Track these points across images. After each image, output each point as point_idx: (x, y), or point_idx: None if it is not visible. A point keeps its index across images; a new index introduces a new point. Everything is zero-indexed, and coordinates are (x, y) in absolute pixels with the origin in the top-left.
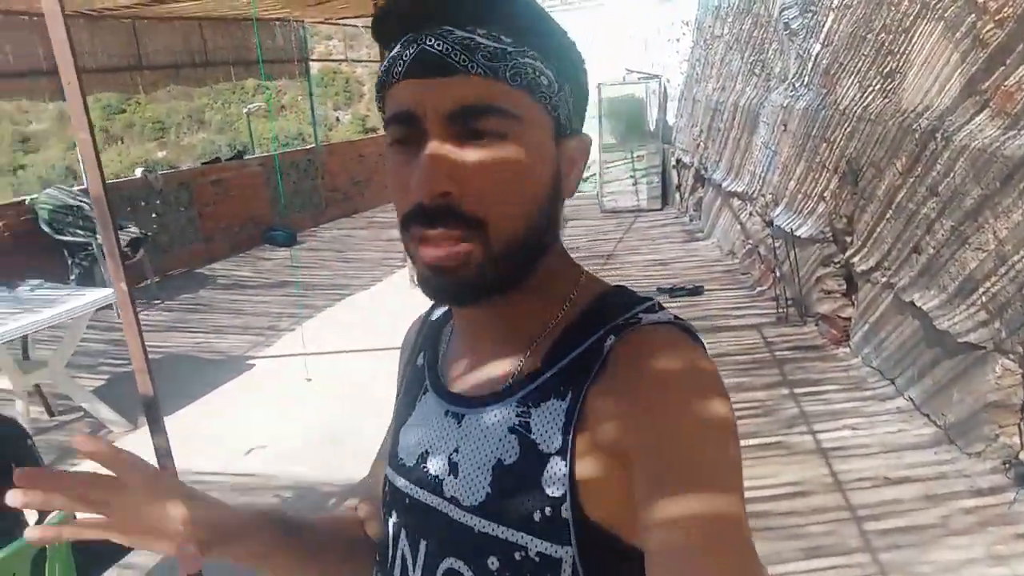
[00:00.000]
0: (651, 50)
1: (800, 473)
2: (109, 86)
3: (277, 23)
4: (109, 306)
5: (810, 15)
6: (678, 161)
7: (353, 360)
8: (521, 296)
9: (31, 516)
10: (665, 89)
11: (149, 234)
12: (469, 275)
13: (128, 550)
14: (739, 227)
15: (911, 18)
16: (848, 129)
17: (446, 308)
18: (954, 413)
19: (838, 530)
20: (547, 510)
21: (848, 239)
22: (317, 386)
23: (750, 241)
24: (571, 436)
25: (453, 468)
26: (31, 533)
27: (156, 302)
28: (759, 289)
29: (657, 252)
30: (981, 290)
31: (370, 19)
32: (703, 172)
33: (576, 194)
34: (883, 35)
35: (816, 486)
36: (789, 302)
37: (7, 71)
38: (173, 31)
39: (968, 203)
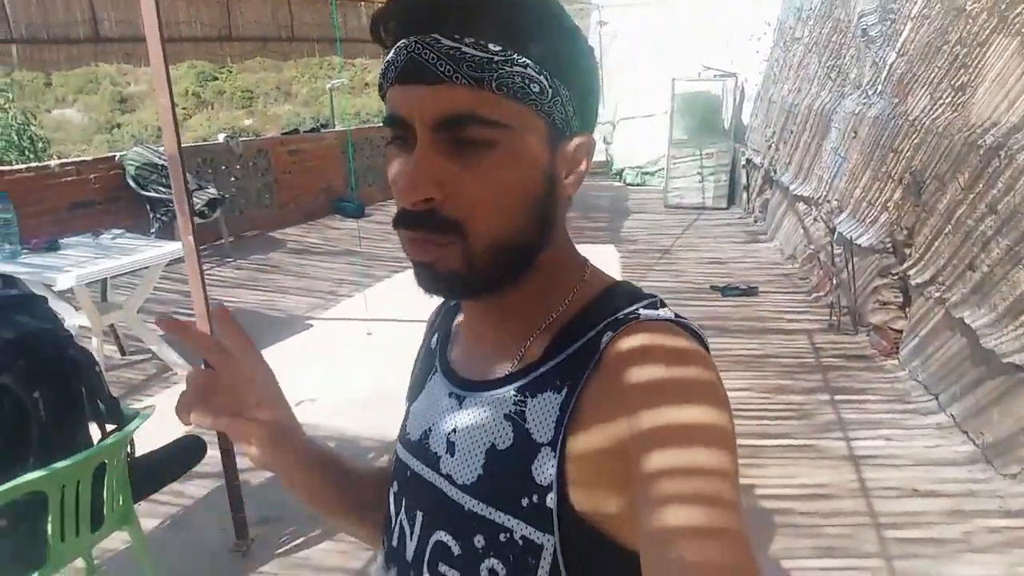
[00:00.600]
0: (731, 48)
1: (828, 477)
2: (201, 55)
3: (362, 3)
4: (182, 259)
5: (888, 23)
6: (748, 161)
7: (406, 328)
8: (522, 289)
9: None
10: (742, 88)
11: (227, 196)
12: (450, 276)
13: (177, 475)
14: (802, 231)
15: (987, 32)
16: (916, 140)
17: None
18: (993, 433)
19: (856, 534)
20: (534, 497)
21: (907, 251)
22: (369, 349)
23: (812, 246)
24: (563, 429)
25: (450, 447)
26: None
27: (228, 260)
28: (815, 295)
29: (716, 251)
30: None
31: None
32: (772, 174)
33: (641, 187)
34: (958, 47)
35: (841, 491)
36: (844, 310)
37: (111, 36)
38: (263, 5)
39: None
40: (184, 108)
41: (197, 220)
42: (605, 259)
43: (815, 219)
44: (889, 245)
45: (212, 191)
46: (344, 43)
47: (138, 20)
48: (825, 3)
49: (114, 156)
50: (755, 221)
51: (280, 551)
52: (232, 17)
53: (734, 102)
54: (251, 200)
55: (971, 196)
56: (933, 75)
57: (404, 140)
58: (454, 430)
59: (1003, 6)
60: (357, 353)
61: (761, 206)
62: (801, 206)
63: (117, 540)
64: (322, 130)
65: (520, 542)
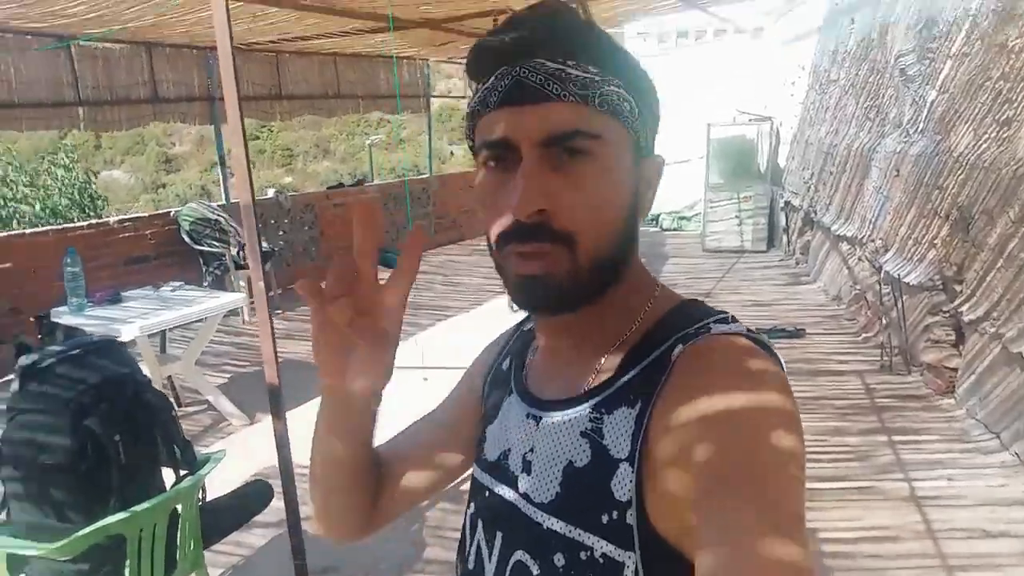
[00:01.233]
0: (765, 92)
1: (891, 519)
2: (252, 113)
3: (405, 60)
4: (235, 311)
5: (927, 62)
6: (787, 203)
7: (448, 376)
8: (600, 307)
9: (168, 479)
10: (777, 131)
11: (276, 249)
12: (558, 285)
13: (245, 520)
14: (846, 272)
15: None
16: (961, 176)
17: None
18: None
19: None
20: (614, 514)
21: (958, 287)
22: (426, 394)
23: (857, 286)
24: (640, 443)
25: (527, 466)
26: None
27: (277, 312)
28: (864, 336)
29: (758, 293)
30: None
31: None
32: (812, 215)
33: (678, 232)
34: (1001, 83)
35: (907, 532)
36: (895, 350)
37: (167, 96)
38: (310, 64)
39: None
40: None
41: (248, 273)
42: None
43: (859, 259)
44: (939, 282)
45: (264, 244)
46: (384, 99)
47: (192, 81)
48: (860, 46)
49: (169, 212)
50: (797, 263)
51: None
52: (281, 75)
53: (770, 145)
54: (298, 253)
55: (1023, 229)
56: (976, 111)
57: (503, 161)
58: (531, 449)
59: None
60: (415, 398)
61: (802, 248)
62: (844, 246)
63: None
64: (364, 184)
65: (601, 560)
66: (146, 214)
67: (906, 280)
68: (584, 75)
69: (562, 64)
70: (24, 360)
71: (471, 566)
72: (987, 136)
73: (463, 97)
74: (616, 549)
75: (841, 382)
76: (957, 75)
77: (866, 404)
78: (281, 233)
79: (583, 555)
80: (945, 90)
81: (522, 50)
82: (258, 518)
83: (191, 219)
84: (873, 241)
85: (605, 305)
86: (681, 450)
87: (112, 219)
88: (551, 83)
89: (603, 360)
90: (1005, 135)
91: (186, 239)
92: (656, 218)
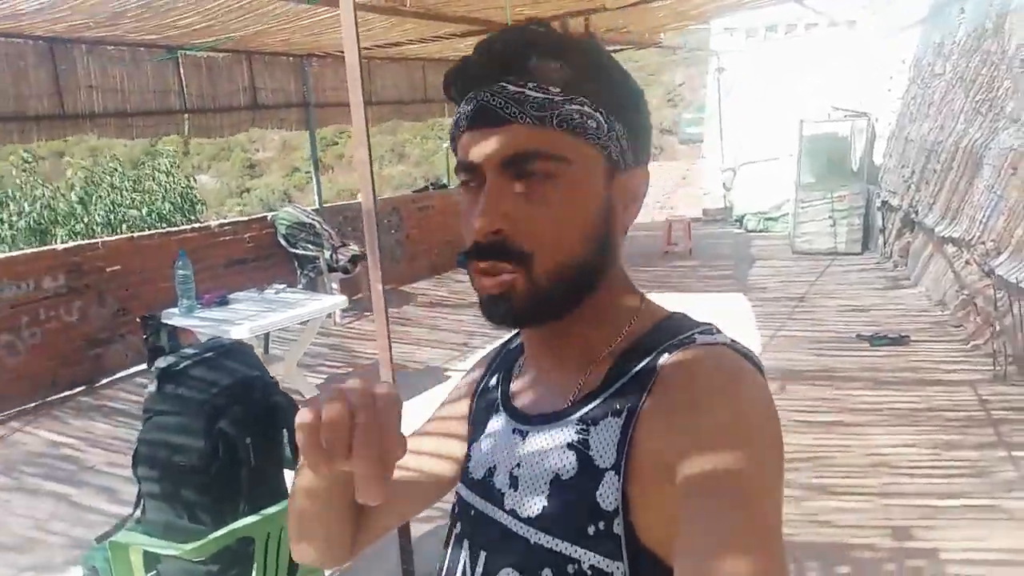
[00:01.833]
0: (860, 87)
1: (1019, 541)
2: (344, 119)
3: None
4: (330, 314)
5: None
6: (884, 203)
7: None
8: (581, 321)
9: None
10: (873, 128)
11: (365, 252)
12: (517, 302)
13: None
14: (952, 275)
15: None
16: None
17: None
18: None
19: None
20: (600, 524)
21: None
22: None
23: (965, 291)
24: (625, 452)
25: (514, 482)
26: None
27: (367, 314)
28: (973, 343)
29: (855, 298)
30: None
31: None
32: (913, 216)
33: (764, 233)
34: None
35: None
36: (1009, 359)
37: (265, 103)
38: (399, 69)
39: None
40: (307, 172)
41: (340, 275)
42: (735, 308)
43: (967, 262)
44: None
45: (354, 248)
46: None
47: (289, 87)
48: (972, 37)
49: (266, 216)
50: (895, 266)
51: None
52: (372, 82)
53: (865, 142)
54: (385, 255)
55: None
56: None
57: (472, 183)
58: (518, 465)
59: None
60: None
61: (901, 250)
62: (950, 248)
63: None
64: (445, 187)
65: (589, 572)
66: (245, 218)
67: (1022, 285)
68: (543, 96)
69: (522, 87)
70: (161, 362)
71: None
72: None
73: None
74: (604, 560)
75: (952, 392)
76: None
77: (981, 416)
78: None
79: (571, 568)
80: None
81: (487, 74)
82: None
83: (288, 223)
84: (984, 243)
85: (587, 318)
86: (665, 459)
87: (213, 223)
88: (510, 106)
89: (588, 373)
90: None
91: (283, 242)
92: (740, 219)
